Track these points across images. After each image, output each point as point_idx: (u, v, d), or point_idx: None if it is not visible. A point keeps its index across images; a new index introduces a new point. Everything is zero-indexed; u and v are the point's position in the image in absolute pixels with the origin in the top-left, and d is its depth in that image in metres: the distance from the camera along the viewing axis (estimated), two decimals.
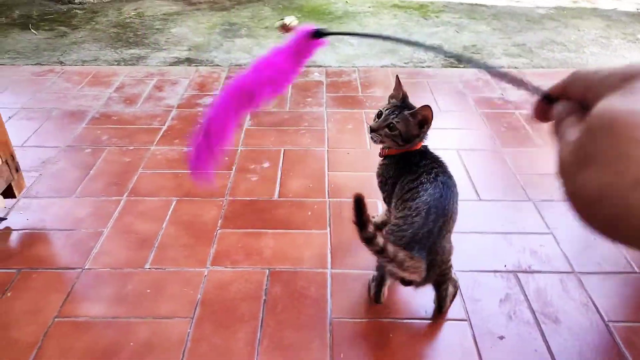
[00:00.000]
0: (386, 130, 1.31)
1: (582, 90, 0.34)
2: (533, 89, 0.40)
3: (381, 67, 2.86)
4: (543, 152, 2.06)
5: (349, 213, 1.70)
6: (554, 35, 3.32)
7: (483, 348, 1.22)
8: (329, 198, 1.77)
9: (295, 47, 0.60)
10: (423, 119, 1.29)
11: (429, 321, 1.29)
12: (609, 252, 1.53)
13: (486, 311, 1.32)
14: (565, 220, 1.67)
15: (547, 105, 0.38)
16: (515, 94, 2.53)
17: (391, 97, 1.41)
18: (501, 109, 2.40)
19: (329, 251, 1.52)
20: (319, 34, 0.59)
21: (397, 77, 1.39)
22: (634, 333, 1.27)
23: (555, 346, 1.23)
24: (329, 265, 1.47)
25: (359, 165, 1.96)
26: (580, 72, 0.35)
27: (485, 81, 2.68)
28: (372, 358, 1.19)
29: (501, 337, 1.25)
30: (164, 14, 3.65)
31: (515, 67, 2.87)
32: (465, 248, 1.54)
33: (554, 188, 1.82)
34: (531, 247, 1.55)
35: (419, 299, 1.35)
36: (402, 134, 1.30)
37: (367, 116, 2.33)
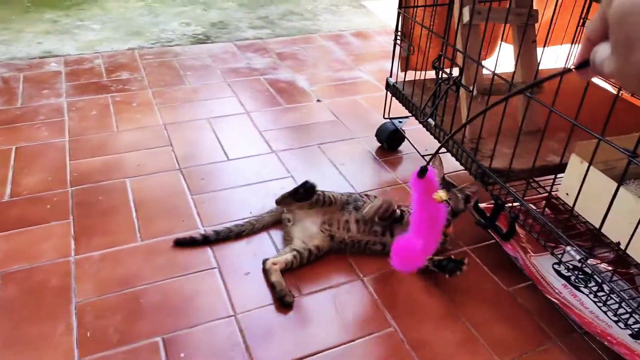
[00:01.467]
0: None
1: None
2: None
3: (127, 50, 2.77)
4: (284, 110, 2.27)
5: (94, 197, 1.66)
6: (292, 6, 3.63)
7: (231, 285, 1.32)
8: (71, 187, 1.67)
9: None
10: (470, 195, 1.44)
11: (180, 277, 1.34)
12: (337, 183, 1.79)
13: (234, 255, 1.43)
14: (301, 163, 1.88)
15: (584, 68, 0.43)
16: (259, 62, 2.72)
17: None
18: (247, 76, 2.55)
19: (71, 239, 1.45)
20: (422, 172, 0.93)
21: (438, 156, 1.50)
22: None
23: None
24: (72, 253, 1.40)
25: (105, 149, 1.88)
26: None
27: (232, 53, 2.81)
28: (121, 325, 1.19)
29: (247, 273, 1.37)
30: None
31: (260, 38, 3.06)
32: (217, 204, 1.63)
33: (294, 139, 2.04)
34: (273, 191, 1.71)
35: (165, 262, 1.39)
36: (453, 209, 1.42)
37: (113, 100, 2.25)
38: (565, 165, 1.46)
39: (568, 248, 1.09)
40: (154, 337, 1.17)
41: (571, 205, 1.26)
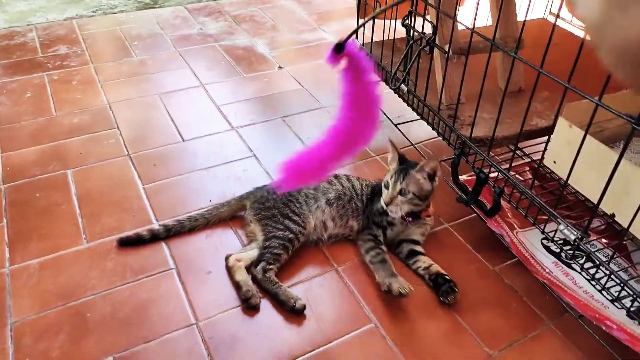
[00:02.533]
0: (400, 198, 1.21)
1: None
2: None
3: (65, 20, 2.48)
4: (243, 80, 2.07)
5: (31, 195, 1.47)
6: None
7: (192, 287, 1.18)
8: (3, 184, 1.47)
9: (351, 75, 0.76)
10: (432, 171, 1.25)
11: (132, 283, 1.19)
12: None
13: (194, 252, 1.28)
14: (265, 140, 1.72)
15: None
16: (213, 27, 2.48)
17: (390, 163, 1.30)
18: (201, 44, 2.33)
19: (5, 246, 1.27)
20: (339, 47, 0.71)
21: (390, 141, 1.31)
22: None
23: None
24: (6, 263, 1.22)
25: (42, 137, 1.67)
26: None
27: (183, 18, 2.56)
28: (65, 346, 1.04)
29: (209, 273, 1.23)
30: None
31: None
32: (173, 193, 1.47)
33: (256, 113, 1.86)
34: (235, 174, 1.55)
35: (114, 266, 1.23)
36: (418, 195, 1.24)
37: (51, 78, 2.01)
38: (550, 128, 1.34)
39: (561, 227, 0.98)
40: (104, 357, 1.03)
41: (559, 174, 1.15)
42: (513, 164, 1.18)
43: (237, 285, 1.18)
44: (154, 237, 1.30)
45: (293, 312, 1.14)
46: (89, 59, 2.16)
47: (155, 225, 1.34)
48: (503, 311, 1.16)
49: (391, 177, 1.26)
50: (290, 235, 1.24)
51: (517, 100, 1.44)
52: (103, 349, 1.04)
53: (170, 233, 1.31)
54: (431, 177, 1.25)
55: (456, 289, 1.16)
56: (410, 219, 1.27)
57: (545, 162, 1.18)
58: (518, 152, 1.33)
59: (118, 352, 1.04)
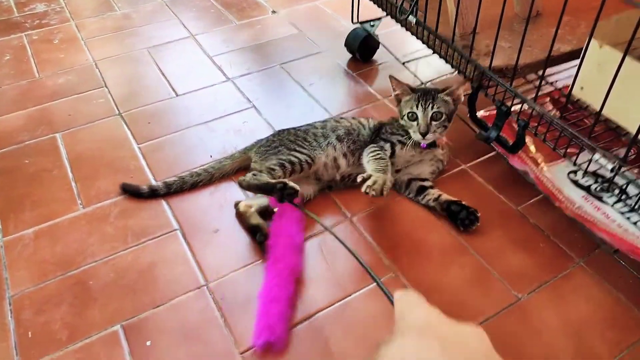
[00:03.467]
0: (434, 123, 1.12)
1: None
2: None
3: None
4: (236, 28, 1.94)
5: (20, 161, 1.38)
6: None
7: (198, 248, 1.11)
8: None
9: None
10: (457, 98, 1.17)
11: (134, 248, 1.12)
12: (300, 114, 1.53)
13: (198, 211, 1.20)
14: (263, 89, 1.61)
15: None
16: None
17: (398, 97, 1.19)
18: None
19: None
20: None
21: (390, 78, 1.20)
22: None
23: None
24: None
25: (27, 101, 1.57)
26: None
27: None
28: (69, 318, 0.98)
29: (215, 231, 1.15)
30: None
31: None
32: (170, 151, 1.38)
33: (252, 61, 1.74)
34: (235, 127, 1.45)
35: (114, 231, 1.16)
36: (448, 115, 1.16)
37: (30, 39, 1.88)
38: (573, 52, 1.23)
39: (596, 157, 0.89)
40: (111, 326, 0.97)
41: (587, 101, 1.05)
42: (527, 98, 1.08)
43: (253, 229, 1.11)
44: (153, 193, 1.22)
45: (285, 194, 1.06)
46: (69, 15, 2.02)
47: (155, 182, 1.26)
48: (530, 252, 1.09)
49: (417, 105, 1.15)
50: (293, 159, 1.17)
51: (535, 25, 1.32)
52: (109, 317, 0.98)
53: (171, 190, 1.23)
54: (455, 102, 1.17)
55: (477, 214, 1.10)
56: (424, 145, 1.18)
57: (574, 90, 1.07)
58: (537, 82, 1.22)
59: (125, 320, 0.98)
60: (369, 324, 0.96)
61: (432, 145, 1.20)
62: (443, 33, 1.26)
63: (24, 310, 1.00)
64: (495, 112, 1.17)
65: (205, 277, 1.06)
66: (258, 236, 1.09)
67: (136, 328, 0.97)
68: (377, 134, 1.25)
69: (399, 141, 1.19)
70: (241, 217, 1.15)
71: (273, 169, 1.15)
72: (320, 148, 1.21)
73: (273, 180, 1.09)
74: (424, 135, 1.14)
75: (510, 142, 1.13)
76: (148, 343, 0.94)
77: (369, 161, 1.14)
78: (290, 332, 0.94)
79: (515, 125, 1.21)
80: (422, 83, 1.51)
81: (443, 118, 1.14)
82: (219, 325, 0.97)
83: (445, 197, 1.15)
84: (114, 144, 1.40)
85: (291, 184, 1.06)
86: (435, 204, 1.15)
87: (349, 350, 0.92)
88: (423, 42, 1.34)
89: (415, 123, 1.15)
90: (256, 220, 1.13)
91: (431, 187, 1.19)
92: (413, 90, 1.18)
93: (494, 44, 1.09)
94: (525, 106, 1.10)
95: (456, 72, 1.26)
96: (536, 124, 1.06)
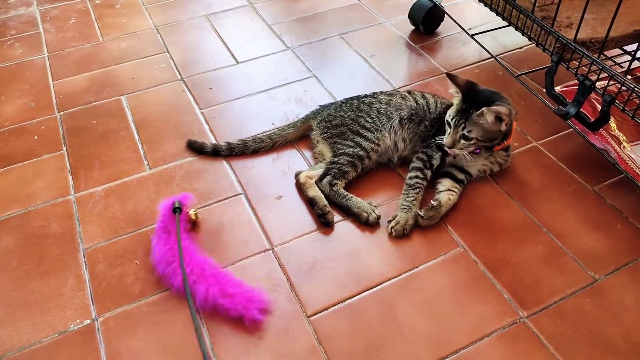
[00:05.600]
0: (463, 142, 1.06)
1: None
2: None
3: None
4: None
5: (87, 122, 1.41)
6: None
7: (262, 213, 1.12)
8: (58, 112, 1.41)
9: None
10: (496, 117, 1.05)
11: (201, 209, 1.13)
12: (361, 84, 1.50)
13: (261, 177, 1.20)
14: (323, 59, 1.58)
15: None
16: None
17: (454, 97, 1.12)
18: None
19: (68, 173, 1.23)
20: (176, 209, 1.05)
21: (447, 75, 1.12)
22: None
23: None
24: (71, 190, 1.18)
25: (92, 63, 1.60)
26: None
27: None
28: (141, 273, 1.00)
29: (279, 197, 1.15)
30: None
31: None
32: (232, 117, 1.38)
33: (311, 31, 1.71)
34: (296, 96, 1.44)
35: (181, 191, 1.17)
36: (483, 139, 1.08)
37: (93, 3, 1.91)
38: None
39: None
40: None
41: None
42: (616, 72, 1.01)
43: (311, 201, 1.10)
44: (216, 152, 1.24)
45: (367, 225, 1.07)
46: None
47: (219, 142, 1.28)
48: (607, 233, 1.04)
49: (452, 118, 1.09)
50: (361, 152, 1.15)
51: None
52: None
53: (234, 152, 1.24)
54: (499, 119, 1.05)
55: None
56: (478, 150, 1.12)
57: None
58: (619, 59, 1.16)
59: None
60: (434, 294, 0.95)
61: (489, 149, 1.13)
62: (521, 4, 1.20)
63: (98, 263, 1.03)
64: (574, 88, 1.11)
65: (271, 241, 1.06)
66: (316, 209, 1.09)
67: None
68: (441, 120, 1.18)
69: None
70: (301, 187, 1.15)
71: (346, 172, 1.13)
72: (384, 129, 1.19)
73: (355, 208, 1.09)
74: (448, 147, 1.10)
75: (591, 119, 1.07)
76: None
77: (404, 189, 1.12)
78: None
79: (596, 103, 1.15)
80: (492, 56, 1.44)
81: (472, 141, 1.07)
82: (285, 288, 0.97)
83: (437, 211, 1.07)
84: (177, 108, 1.42)
85: (372, 217, 1.07)
86: (417, 203, 1.09)
87: (414, 320, 0.91)
88: (497, 14, 1.28)
89: (448, 129, 1.10)
90: (315, 192, 1.12)
91: (459, 182, 1.13)
92: (467, 94, 1.09)
93: (582, 14, 1.03)
94: (610, 82, 1.04)
95: (526, 46, 1.20)
96: (623, 102, 1.00)
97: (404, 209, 1.08)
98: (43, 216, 1.13)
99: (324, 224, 1.08)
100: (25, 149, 1.30)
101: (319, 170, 1.17)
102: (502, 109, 1.03)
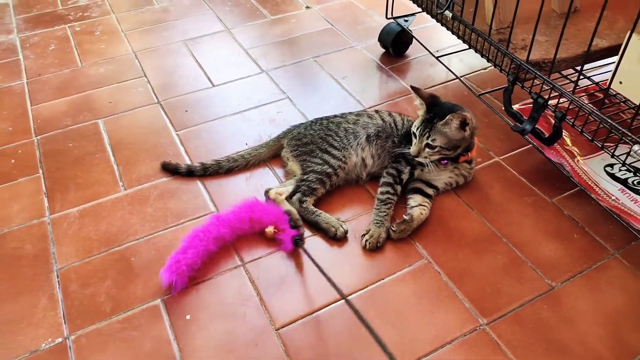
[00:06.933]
0: (428, 150, 1.12)
1: None
2: None
3: None
4: (270, 22, 1.97)
5: (64, 145, 1.44)
6: None
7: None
8: (36, 136, 1.44)
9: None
10: (461, 123, 1.11)
11: (174, 228, 1.16)
12: (334, 104, 1.56)
13: (234, 195, 1.24)
14: (297, 81, 1.64)
15: None
16: None
17: (418, 109, 1.19)
18: None
19: (44, 196, 1.25)
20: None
21: (411, 88, 1.19)
22: None
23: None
24: (46, 212, 1.21)
25: (70, 88, 1.63)
26: None
27: None
28: (112, 291, 1.02)
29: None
30: None
31: None
32: (207, 138, 1.42)
33: (286, 55, 1.77)
34: (270, 117, 1.49)
35: (154, 211, 1.20)
36: (447, 147, 1.14)
37: (73, 30, 1.95)
38: (611, 48, 1.23)
39: (635, 147, 0.89)
40: (152, 300, 1.01)
41: (626, 95, 1.05)
42: (565, 91, 1.08)
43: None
44: (190, 172, 1.28)
45: (335, 239, 1.11)
46: (109, 8, 2.09)
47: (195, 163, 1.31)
48: (564, 243, 1.09)
49: (417, 128, 1.15)
50: (329, 170, 1.19)
51: (572, 20, 1.32)
52: (150, 292, 1.02)
53: (208, 172, 1.27)
54: (463, 126, 1.12)
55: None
56: (445, 161, 1.19)
57: (613, 85, 1.07)
58: (573, 76, 1.22)
59: (166, 295, 1.02)
60: (400, 305, 0.98)
61: (454, 160, 1.19)
62: (479, 27, 1.27)
63: (71, 282, 1.04)
64: (530, 105, 1.17)
65: (241, 257, 1.09)
66: (293, 220, 1.12)
67: (176, 303, 1.00)
68: (408, 137, 1.23)
69: (419, 163, 1.19)
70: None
71: (315, 189, 1.17)
72: (350, 147, 1.23)
73: (323, 224, 1.13)
74: (414, 156, 1.15)
75: (547, 134, 1.13)
76: (188, 317, 0.98)
77: (376, 204, 1.16)
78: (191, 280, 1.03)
79: (551, 119, 1.21)
80: (456, 77, 1.51)
81: (436, 149, 1.13)
82: (255, 302, 1.00)
83: (408, 224, 1.11)
84: (153, 130, 1.45)
85: (340, 232, 1.11)
86: (388, 218, 1.13)
87: (380, 330, 0.94)
88: (458, 37, 1.35)
89: (414, 139, 1.16)
90: (287, 206, 1.15)
91: (426, 196, 1.18)
92: (431, 105, 1.16)
93: (532, 37, 1.10)
94: (562, 100, 1.11)
95: (490, 67, 1.27)
96: (573, 117, 1.07)
97: (377, 223, 1.12)
98: (18, 238, 1.15)
99: (295, 228, 1.11)
100: (2, 173, 1.32)
101: (289, 187, 1.20)
102: (467, 114, 1.11)
